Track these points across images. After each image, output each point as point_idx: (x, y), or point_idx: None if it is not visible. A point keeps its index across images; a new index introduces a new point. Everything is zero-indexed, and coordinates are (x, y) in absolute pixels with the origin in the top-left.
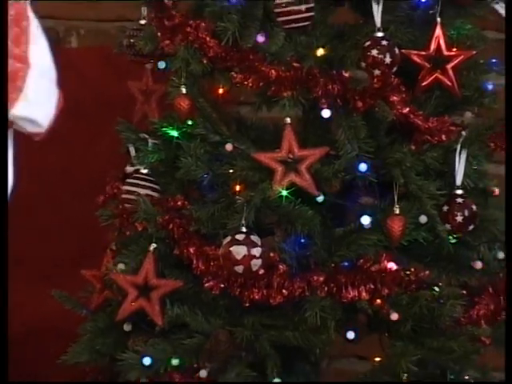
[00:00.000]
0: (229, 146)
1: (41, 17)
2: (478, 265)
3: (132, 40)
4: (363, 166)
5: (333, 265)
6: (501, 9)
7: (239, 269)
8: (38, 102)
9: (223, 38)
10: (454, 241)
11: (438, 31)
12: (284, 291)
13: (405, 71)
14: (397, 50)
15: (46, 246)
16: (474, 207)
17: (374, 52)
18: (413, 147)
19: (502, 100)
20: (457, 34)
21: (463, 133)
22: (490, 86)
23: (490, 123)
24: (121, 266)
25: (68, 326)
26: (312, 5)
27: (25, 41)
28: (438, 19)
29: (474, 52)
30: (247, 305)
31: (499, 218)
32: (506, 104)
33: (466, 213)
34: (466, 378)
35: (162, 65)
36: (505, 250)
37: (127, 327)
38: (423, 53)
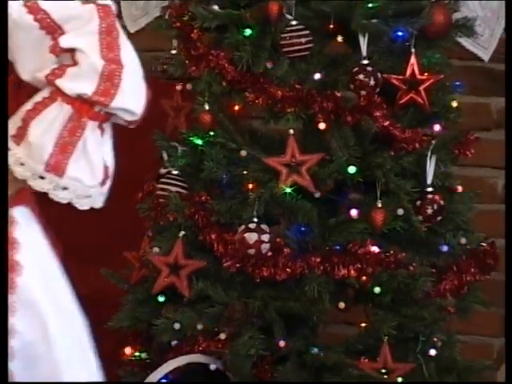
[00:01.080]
0: (243, 152)
1: None
2: (445, 248)
3: (165, 66)
4: (352, 169)
5: (327, 248)
6: (464, 41)
7: (251, 251)
8: (132, 94)
9: (239, 64)
10: (425, 229)
11: (413, 59)
12: (288, 269)
13: (386, 92)
14: (379, 75)
15: (96, 233)
16: (441, 202)
17: (361, 76)
18: (392, 153)
19: (465, 115)
20: (427, 62)
21: (433, 142)
22: (455, 104)
23: (454, 134)
24: (156, 249)
25: (112, 297)
26: (310, 38)
27: (116, 47)
28: (413, 50)
29: (442, 76)
30: (258, 280)
31: (462, 211)
32: (506, 104)
33: (435, 206)
34: (435, 339)
35: (189, 86)
36: (505, 248)
37: (161, 298)
38: (400, 77)
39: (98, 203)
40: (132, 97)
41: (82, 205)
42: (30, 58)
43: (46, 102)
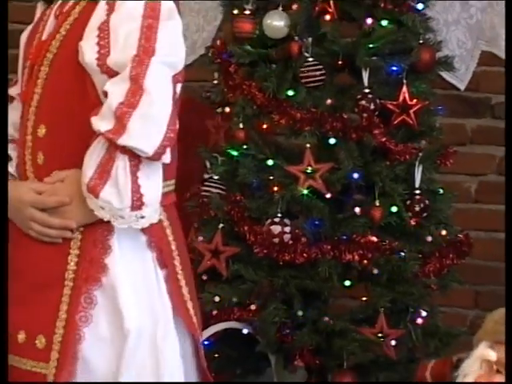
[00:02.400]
0: (269, 162)
1: None
2: (429, 238)
3: (208, 94)
4: (356, 175)
5: (336, 238)
6: (444, 74)
7: (276, 240)
8: (139, 135)
9: (266, 92)
10: (413, 223)
11: (404, 89)
12: (304, 255)
13: (383, 114)
14: (378, 101)
15: None
16: (426, 202)
17: (363, 102)
18: (387, 163)
19: (445, 133)
20: (416, 91)
21: (420, 154)
22: (437, 124)
23: (436, 148)
24: (200, 238)
25: None
26: (323, 71)
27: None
28: (404, 81)
29: (427, 102)
30: (281, 263)
31: (443, 209)
32: (506, 106)
33: (422, 205)
34: (421, 311)
35: (227, 110)
36: (505, 248)
37: (204, 277)
38: (394, 102)
39: (136, 225)
40: (139, 137)
41: (119, 224)
42: (102, 97)
43: (96, 135)
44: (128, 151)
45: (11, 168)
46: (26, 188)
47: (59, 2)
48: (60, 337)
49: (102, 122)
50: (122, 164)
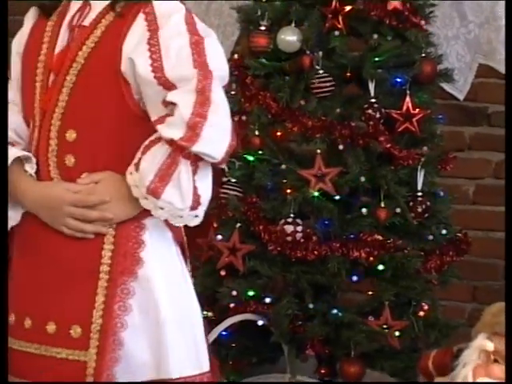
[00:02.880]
0: (283, 166)
1: None
2: (430, 237)
3: None
4: (362, 179)
5: (344, 236)
6: (445, 86)
7: (288, 239)
8: (210, 142)
9: (280, 102)
10: (416, 223)
11: (408, 99)
12: (315, 252)
13: (387, 122)
14: (383, 110)
15: None
16: (428, 203)
17: (370, 111)
18: (392, 167)
19: (445, 140)
20: (418, 101)
21: (422, 159)
22: (438, 132)
23: (437, 154)
24: (219, 237)
25: None
26: (333, 82)
27: (207, 103)
28: (408, 92)
29: (429, 111)
30: (293, 260)
31: (443, 210)
32: (506, 107)
33: (423, 206)
34: (423, 304)
35: (244, 118)
36: (505, 247)
37: (222, 272)
38: (398, 112)
39: (191, 223)
40: (211, 144)
41: (176, 223)
42: (152, 106)
43: (156, 141)
44: (191, 157)
45: (31, 169)
46: (61, 188)
47: (70, 15)
48: (98, 326)
49: (172, 131)
50: (184, 168)
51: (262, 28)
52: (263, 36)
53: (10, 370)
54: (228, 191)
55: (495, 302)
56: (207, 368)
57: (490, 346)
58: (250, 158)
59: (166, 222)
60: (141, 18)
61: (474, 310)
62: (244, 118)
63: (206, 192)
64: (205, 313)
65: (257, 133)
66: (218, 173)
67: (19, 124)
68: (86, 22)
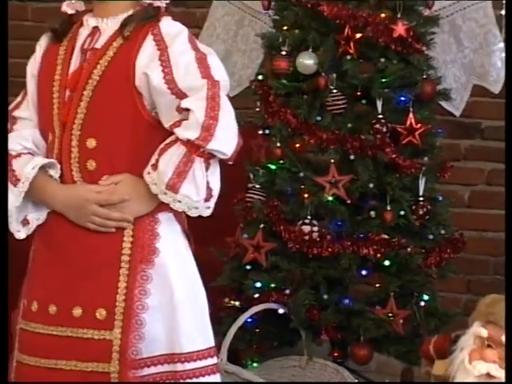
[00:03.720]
0: (301, 174)
1: None
2: (431, 237)
3: (252, 119)
4: (371, 185)
5: (355, 236)
6: (443, 103)
7: (306, 237)
8: (222, 141)
9: (299, 117)
10: (418, 224)
11: (411, 115)
12: (329, 249)
13: (393, 135)
14: (389, 125)
15: (209, 224)
16: (428, 207)
17: (377, 126)
18: (397, 175)
19: (443, 151)
20: (420, 117)
21: (423, 168)
22: (437, 144)
23: (437, 163)
24: (245, 236)
25: (217, 266)
26: (345, 100)
27: (217, 108)
28: (411, 109)
29: (429, 126)
30: (310, 256)
31: (441, 213)
32: (506, 108)
33: (424, 210)
34: (424, 295)
35: (267, 132)
36: (505, 248)
37: (248, 267)
38: (403, 126)
39: (205, 213)
40: (223, 143)
41: (192, 213)
42: (165, 114)
43: (171, 143)
44: (204, 155)
45: (56, 174)
46: (86, 189)
47: (81, 40)
48: (121, 308)
49: (188, 132)
50: (198, 165)
51: (283, 53)
52: (284, 60)
53: (29, 352)
54: (253, 196)
55: (487, 293)
56: (213, 343)
57: (484, 332)
58: (272, 167)
59: (175, 216)
60: (150, 38)
61: (468, 301)
62: (267, 131)
63: (216, 185)
64: (232, 302)
65: (278, 144)
66: (243, 179)
67: (36, 137)
68: (98, 45)
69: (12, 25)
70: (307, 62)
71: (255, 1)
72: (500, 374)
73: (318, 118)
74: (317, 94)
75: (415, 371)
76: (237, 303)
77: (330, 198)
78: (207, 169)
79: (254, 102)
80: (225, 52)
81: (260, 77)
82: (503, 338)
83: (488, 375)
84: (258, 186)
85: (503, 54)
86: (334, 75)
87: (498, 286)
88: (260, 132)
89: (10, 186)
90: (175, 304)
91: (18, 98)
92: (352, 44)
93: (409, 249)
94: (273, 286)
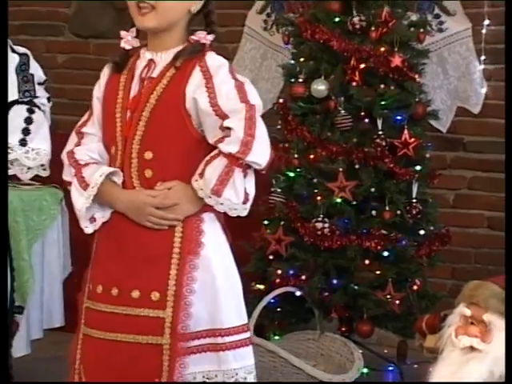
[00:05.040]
0: (315, 180)
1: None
2: (422, 232)
3: (273, 134)
4: (372, 189)
5: (359, 231)
6: (432, 122)
7: (319, 233)
8: (258, 154)
9: (313, 133)
10: (411, 222)
11: (406, 132)
12: (338, 242)
13: (391, 149)
14: (387, 139)
15: (241, 222)
16: (420, 207)
17: (378, 140)
18: (394, 181)
19: (432, 161)
20: (413, 133)
21: (416, 175)
22: (427, 155)
23: (427, 171)
24: (268, 231)
25: (245, 256)
26: (351, 120)
27: (254, 127)
28: (406, 126)
29: (421, 141)
30: (322, 248)
31: (431, 212)
32: (506, 108)
33: (417, 210)
34: (416, 280)
35: (286, 145)
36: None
37: (271, 257)
38: (399, 141)
39: (242, 214)
40: (259, 156)
41: (232, 214)
42: (210, 131)
43: (215, 156)
44: (243, 166)
45: (119, 180)
46: (144, 194)
47: (139, 71)
48: (172, 291)
49: (230, 146)
50: (238, 174)
51: (300, 80)
52: (301, 86)
53: (95, 326)
54: (275, 198)
55: (469, 280)
56: (246, 321)
57: (467, 312)
58: (291, 174)
59: (216, 216)
60: (197, 69)
61: (453, 285)
62: (287, 145)
63: (252, 191)
64: (257, 286)
65: (296, 156)
66: (267, 185)
67: (100, 149)
68: (154, 74)
69: (76, 57)
70: (320, 87)
71: (277, 37)
72: (481, 346)
73: (329, 134)
74: (328, 114)
75: (409, 343)
76: (261, 287)
77: (339, 200)
78: (245, 177)
79: (275, 120)
80: (251, 80)
81: (281, 100)
82: (484, 317)
83: (471, 348)
84: (279, 190)
85: (482, 81)
86: (342, 98)
87: (478, 273)
88: (281, 145)
89: (80, 191)
90: (216, 288)
91: (85, 117)
92: (357, 73)
93: (404, 242)
94: (291, 272)
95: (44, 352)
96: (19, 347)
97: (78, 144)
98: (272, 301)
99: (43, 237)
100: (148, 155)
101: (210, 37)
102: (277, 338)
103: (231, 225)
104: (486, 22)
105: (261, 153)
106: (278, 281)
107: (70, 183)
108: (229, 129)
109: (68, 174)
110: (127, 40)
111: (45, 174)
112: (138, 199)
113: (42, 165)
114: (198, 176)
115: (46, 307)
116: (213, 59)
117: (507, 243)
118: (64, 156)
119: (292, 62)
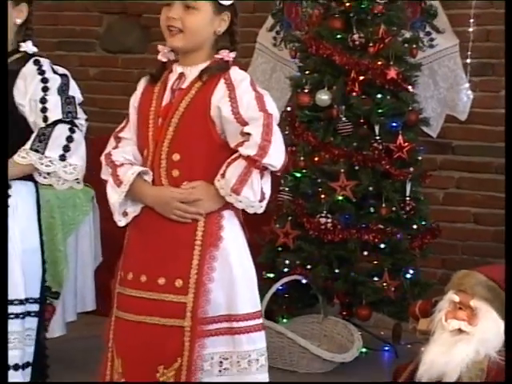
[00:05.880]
0: (319, 180)
1: None
2: (415, 226)
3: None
4: (370, 188)
5: (358, 226)
6: (424, 128)
7: (322, 227)
8: (274, 157)
9: (317, 138)
10: (405, 217)
11: (400, 137)
12: (340, 235)
13: (387, 152)
14: (384, 144)
15: (251, 217)
16: (413, 204)
17: (375, 144)
18: (390, 181)
19: (424, 163)
20: (407, 138)
21: (409, 175)
22: (420, 158)
23: (419, 172)
24: (277, 225)
25: (257, 247)
26: (352, 126)
27: (270, 133)
28: (400, 132)
29: (414, 145)
30: (325, 241)
31: (423, 209)
32: (506, 108)
33: (410, 207)
34: (409, 270)
35: (293, 148)
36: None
37: (279, 249)
38: (394, 145)
39: (259, 211)
40: (274, 159)
41: (249, 211)
42: (231, 136)
43: (235, 158)
44: (260, 167)
45: (149, 178)
46: (171, 191)
47: (170, 83)
48: (194, 279)
49: (249, 150)
50: (255, 175)
51: (306, 90)
52: (306, 96)
53: (125, 309)
54: (283, 196)
55: (457, 269)
56: (260, 308)
57: (456, 298)
58: (298, 175)
59: (235, 213)
60: (222, 82)
61: (443, 274)
62: (293, 148)
63: (267, 190)
64: (268, 274)
65: (302, 158)
66: (276, 184)
67: (135, 152)
68: (184, 86)
69: (106, 70)
70: (323, 97)
71: (285, 52)
72: (468, 329)
73: (332, 139)
74: (330, 121)
75: (403, 326)
76: (271, 275)
77: (340, 198)
78: (262, 178)
79: (284, 127)
80: None
81: (288, 108)
82: (471, 303)
83: (459, 330)
84: (286, 189)
85: (468, 92)
86: (343, 107)
87: (465, 264)
88: (288, 149)
89: (115, 188)
90: (233, 278)
91: (122, 123)
92: (356, 84)
93: (398, 235)
94: (298, 262)
95: (78, 332)
96: (56, 328)
97: (115, 147)
98: (280, 288)
99: (77, 230)
100: (176, 157)
101: (233, 54)
102: (285, 321)
103: (244, 220)
104: (472, 38)
105: (276, 156)
106: (285, 270)
107: (106, 181)
108: (248, 134)
109: (105, 173)
110: (164, 53)
111: (79, 186)
112: (165, 194)
113: (77, 179)
114: (219, 176)
115: (80, 293)
116: (236, 73)
117: (507, 243)
118: (102, 157)
119: (298, 74)
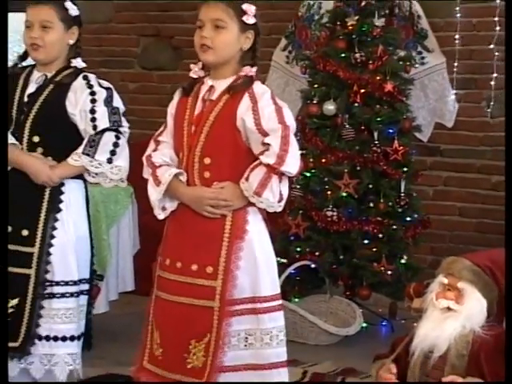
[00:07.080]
0: (326, 179)
1: None
2: (408, 219)
3: None
4: (370, 186)
5: (360, 218)
6: (417, 134)
7: (329, 219)
8: (291, 165)
9: (324, 143)
10: (400, 211)
11: (396, 141)
12: (344, 226)
13: (385, 155)
14: (382, 148)
15: (274, 214)
16: (407, 200)
17: (375, 148)
18: (387, 180)
19: (416, 164)
20: (402, 142)
21: (404, 175)
22: (412, 159)
23: (412, 172)
24: (289, 218)
25: (271, 236)
26: (354, 132)
27: (288, 143)
28: (396, 137)
29: (407, 148)
30: (331, 231)
31: (415, 203)
32: (506, 108)
33: (404, 202)
34: (404, 255)
35: (304, 152)
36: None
37: (292, 238)
38: (391, 148)
39: (278, 210)
40: (291, 166)
41: (269, 210)
42: (254, 145)
43: (257, 165)
44: (279, 173)
45: (184, 179)
46: (203, 190)
47: (202, 95)
48: (222, 267)
49: (268, 159)
50: (275, 180)
51: (314, 102)
52: (315, 106)
53: (163, 290)
54: (295, 193)
55: (445, 256)
56: (279, 291)
57: (445, 280)
58: (308, 174)
59: (258, 209)
60: (246, 96)
61: (432, 260)
62: (304, 152)
63: (285, 193)
64: (281, 260)
65: (311, 160)
66: (290, 182)
67: (172, 154)
68: (213, 97)
69: (143, 85)
70: (329, 107)
71: (296, 68)
72: (456, 307)
73: (337, 143)
74: (336, 128)
75: (398, 304)
76: (284, 261)
77: (344, 194)
78: (280, 182)
79: (295, 133)
80: None
81: (299, 117)
82: (458, 285)
83: (448, 308)
84: (298, 187)
85: (455, 102)
86: (347, 116)
87: (452, 251)
88: (299, 152)
89: (155, 187)
90: (257, 266)
91: (161, 128)
92: (358, 96)
93: (394, 226)
94: (307, 250)
95: (119, 310)
96: (101, 306)
97: (154, 149)
98: (292, 271)
99: (118, 222)
100: (207, 160)
101: (254, 69)
102: (296, 300)
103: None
104: (457, 57)
105: (292, 164)
106: (297, 256)
107: (147, 180)
108: (268, 144)
109: (146, 173)
110: (195, 71)
111: (123, 185)
112: (198, 194)
113: (121, 178)
114: (244, 179)
115: (121, 276)
116: (258, 87)
117: (507, 243)
118: (144, 159)
119: (308, 87)
